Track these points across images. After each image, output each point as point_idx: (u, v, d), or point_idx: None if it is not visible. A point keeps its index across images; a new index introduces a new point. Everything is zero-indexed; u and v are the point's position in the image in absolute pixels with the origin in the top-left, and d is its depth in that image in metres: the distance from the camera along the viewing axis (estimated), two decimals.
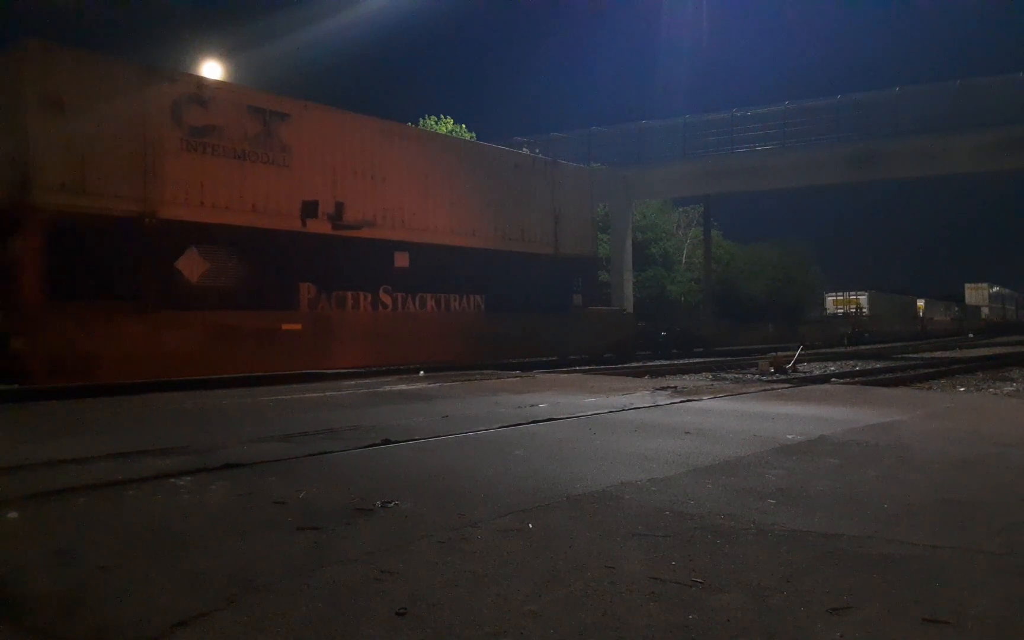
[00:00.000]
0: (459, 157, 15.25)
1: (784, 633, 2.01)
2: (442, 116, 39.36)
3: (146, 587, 2.34)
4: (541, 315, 15.96)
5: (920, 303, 55.72)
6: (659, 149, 31.91)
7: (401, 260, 13.38)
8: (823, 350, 27.09)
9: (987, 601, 2.22)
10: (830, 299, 48.10)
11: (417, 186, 13.83)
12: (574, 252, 17.26)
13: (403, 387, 9.05)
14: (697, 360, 20.87)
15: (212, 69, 21.24)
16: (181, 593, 2.28)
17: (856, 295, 47.06)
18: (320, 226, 12.15)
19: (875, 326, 42.37)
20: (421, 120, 37.64)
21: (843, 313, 44.69)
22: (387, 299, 13.19)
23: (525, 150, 36.87)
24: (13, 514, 3.20)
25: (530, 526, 2.97)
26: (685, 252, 49.66)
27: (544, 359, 16.32)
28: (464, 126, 38.95)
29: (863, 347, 30.71)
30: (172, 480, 3.80)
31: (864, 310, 45.09)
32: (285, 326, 11.53)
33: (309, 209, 12.02)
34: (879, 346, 31.67)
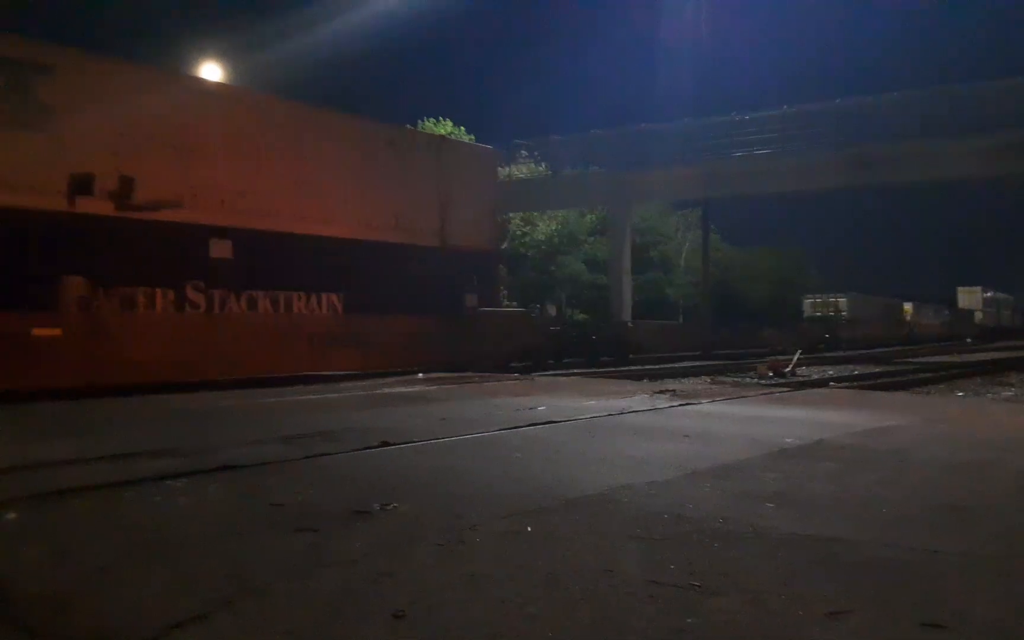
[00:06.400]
0: (309, 127, 12.58)
1: (782, 636, 2.00)
2: (441, 118, 39.44)
3: (143, 588, 2.34)
4: (422, 318, 13.47)
5: (907, 306, 54.39)
6: (658, 152, 31.99)
7: (220, 249, 10.92)
8: (781, 356, 25.76)
9: (986, 606, 2.22)
10: (807, 302, 46.15)
11: (247, 160, 11.35)
12: (467, 245, 14.62)
13: (401, 389, 9.04)
14: (697, 364, 20.87)
15: (212, 71, 21.30)
16: (178, 594, 2.28)
17: (835, 297, 45.11)
18: (97, 205, 9.74)
19: (854, 331, 40.49)
20: (420, 122, 37.73)
21: (820, 316, 43.19)
22: (198, 298, 10.69)
23: (524, 153, 37.04)
24: (10, 515, 3.19)
25: (528, 529, 2.97)
26: (684, 255, 49.79)
27: (421, 369, 13.40)
28: (463, 128, 39.03)
29: (836, 353, 28.78)
30: (169, 481, 3.80)
31: (844, 313, 43.31)
32: (37, 331, 9.21)
33: (80, 184, 9.64)
34: (848, 352, 29.75)
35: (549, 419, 6.16)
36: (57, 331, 9.32)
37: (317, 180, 12.23)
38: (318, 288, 12.08)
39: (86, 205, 9.65)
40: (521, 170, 36.88)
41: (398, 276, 13.26)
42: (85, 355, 9.46)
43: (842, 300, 44.55)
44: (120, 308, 9.93)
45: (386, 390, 8.99)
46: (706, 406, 7.28)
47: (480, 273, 14.97)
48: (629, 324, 27.79)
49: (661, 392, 8.64)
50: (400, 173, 13.56)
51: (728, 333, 31.78)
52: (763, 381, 15.35)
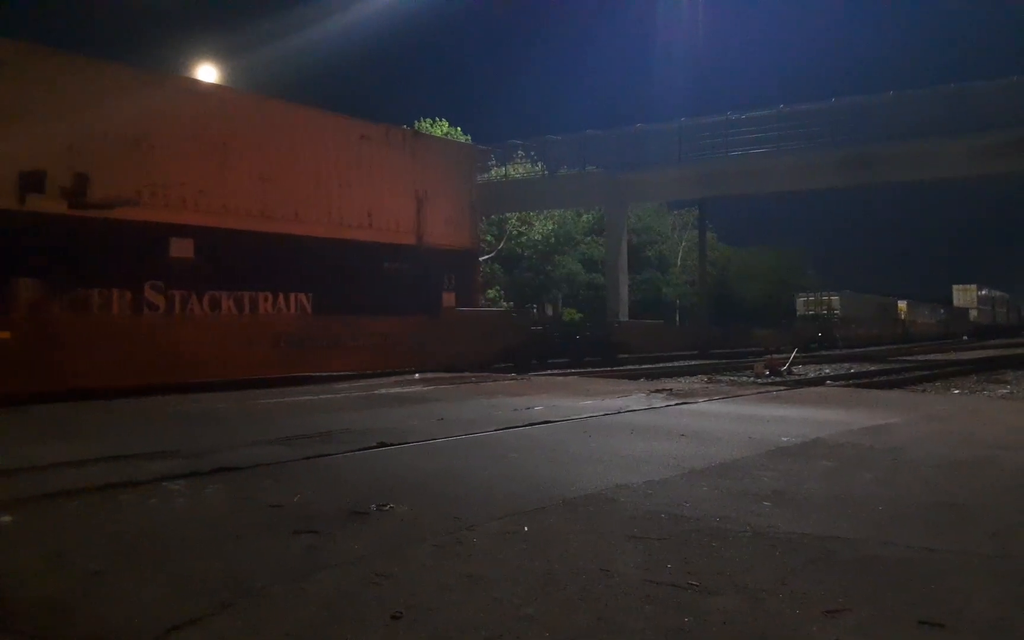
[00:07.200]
0: (277, 122, 12.02)
1: (779, 635, 2.00)
2: (437, 119, 39.47)
3: (140, 591, 2.33)
4: (397, 318, 12.94)
5: (902, 305, 54.32)
6: (654, 152, 31.97)
7: (181, 249, 10.46)
8: (777, 355, 25.65)
9: (982, 603, 2.22)
10: (800, 301, 45.47)
11: (210, 155, 10.89)
12: (445, 243, 14.11)
13: (398, 390, 9.04)
14: (694, 363, 20.89)
15: (208, 72, 21.28)
16: (175, 597, 2.27)
17: (828, 295, 44.45)
18: (50, 204, 9.32)
19: (848, 329, 40.14)
20: (417, 123, 37.74)
21: (813, 315, 42.88)
22: (157, 298, 10.23)
23: (520, 153, 37.05)
24: (6, 518, 3.18)
25: (526, 529, 2.97)
26: (680, 255, 49.89)
27: (403, 370, 12.54)
28: (460, 129, 39.05)
29: (831, 352, 28.68)
30: (166, 484, 3.79)
31: (836, 311, 42.82)
32: None
33: (31, 182, 9.18)
34: (844, 351, 29.71)
35: (546, 419, 6.16)
36: (5, 334, 8.90)
37: (285, 176, 11.76)
38: (286, 288, 11.65)
39: (37, 204, 9.27)
40: (518, 170, 36.91)
41: (372, 275, 12.88)
42: (36, 359, 9.04)
43: (835, 298, 44.34)
44: (74, 310, 9.54)
45: (383, 391, 8.99)
46: (703, 405, 7.29)
47: (459, 272, 14.49)
48: (616, 324, 27.35)
49: (658, 391, 8.65)
50: (373, 169, 13.06)
51: (720, 332, 31.64)
52: (760, 380, 15.37)
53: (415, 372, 11.84)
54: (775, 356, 19.75)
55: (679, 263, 49.61)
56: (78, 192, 9.59)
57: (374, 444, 4.92)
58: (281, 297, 11.62)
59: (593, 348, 21.85)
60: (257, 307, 11.34)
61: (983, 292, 70.43)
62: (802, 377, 16.61)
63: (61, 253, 9.46)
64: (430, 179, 13.98)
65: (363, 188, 12.87)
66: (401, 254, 13.38)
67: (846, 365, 21.37)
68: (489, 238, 39.56)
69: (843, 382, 14.68)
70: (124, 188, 9.96)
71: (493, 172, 36.71)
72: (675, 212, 50.25)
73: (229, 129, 11.23)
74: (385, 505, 3.32)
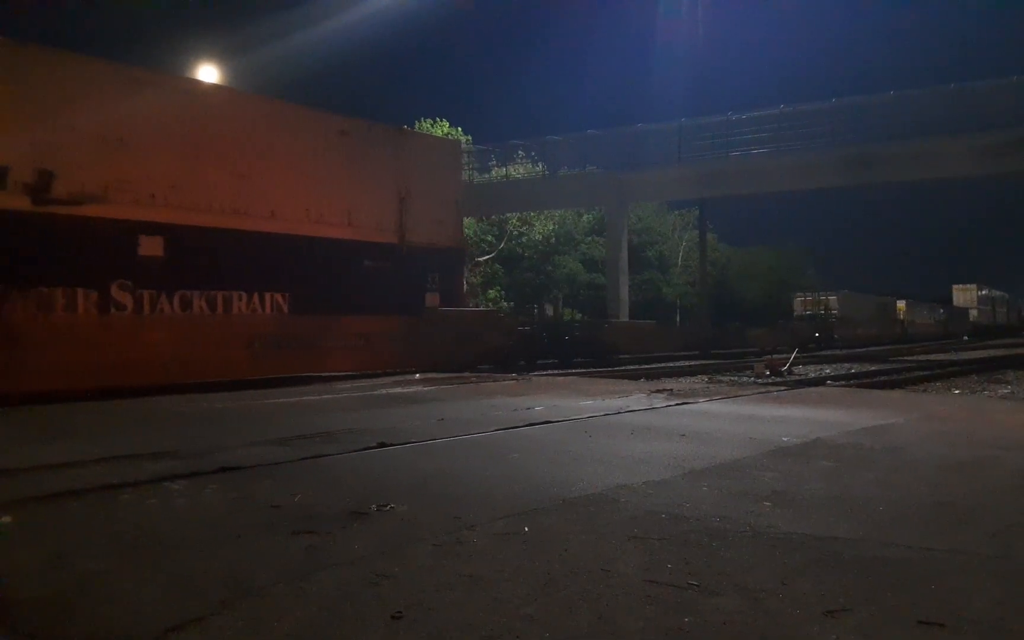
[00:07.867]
0: (252, 117, 11.70)
1: (779, 636, 2.00)
2: (438, 119, 39.51)
3: (140, 591, 2.33)
4: (378, 318, 12.68)
5: (901, 305, 54.25)
6: (654, 152, 32.03)
7: (150, 246, 10.17)
8: (777, 355, 25.51)
9: (982, 604, 2.22)
10: (798, 300, 45.51)
11: (182, 151, 10.63)
12: (429, 242, 13.78)
13: (399, 390, 9.04)
14: (695, 363, 20.89)
15: (209, 72, 21.29)
16: (175, 597, 2.27)
17: (826, 296, 44.51)
18: (11, 200, 9.08)
19: (846, 329, 39.99)
20: (417, 123, 37.79)
21: (810, 315, 42.42)
22: (125, 298, 9.93)
23: (521, 153, 37.07)
24: (6, 518, 3.18)
25: (526, 529, 2.97)
26: (681, 255, 49.93)
27: (385, 371, 12.29)
28: (460, 129, 39.11)
29: (831, 352, 28.72)
30: (166, 484, 3.79)
31: (834, 311, 42.72)
32: None
33: None
34: (844, 351, 29.70)
35: (546, 419, 6.16)
36: None
37: (260, 173, 11.42)
38: (261, 287, 11.30)
39: None
40: (518, 170, 36.94)
41: (352, 275, 12.59)
42: None
43: (832, 298, 44.23)
44: (36, 310, 9.21)
45: (382, 391, 8.99)
46: (703, 405, 7.29)
47: (443, 271, 14.14)
48: (606, 324, 27.20)
49: (658, 391, 8.65)
50: (354, 166, 12.73)
51: (721, 332, 31.59)
52: (760, 380, 15.38)
53: (415, 372, 11.83)
54: (775, 356, 19.75)
55: (679, 263, 49.66)
56: (42, 188, 9.33)
57: (374, 444, 4.92)
58: (256, 297, 11.30)
59: (583, 349, 21.72)
60: (231, 307, 10.99)
61: (983, 292, 70.36)
62: (802, 377, 16.61)
63: (23, 251, 9.20)
64: (414, 176, 13.63)
65: (342, 185, 12.57)
66: (383, 253, 13.10)
67: (846, 365, 21.37)
68: (490, 238, 39.59)
69: (843, 382, 14.68)
70: (92, 184, 9.73)
71: (494, 172, 36.75)
72: (675, 212, 50.35)
73: (203, 124, 10.95)
74: (385, 505, 3.32)
